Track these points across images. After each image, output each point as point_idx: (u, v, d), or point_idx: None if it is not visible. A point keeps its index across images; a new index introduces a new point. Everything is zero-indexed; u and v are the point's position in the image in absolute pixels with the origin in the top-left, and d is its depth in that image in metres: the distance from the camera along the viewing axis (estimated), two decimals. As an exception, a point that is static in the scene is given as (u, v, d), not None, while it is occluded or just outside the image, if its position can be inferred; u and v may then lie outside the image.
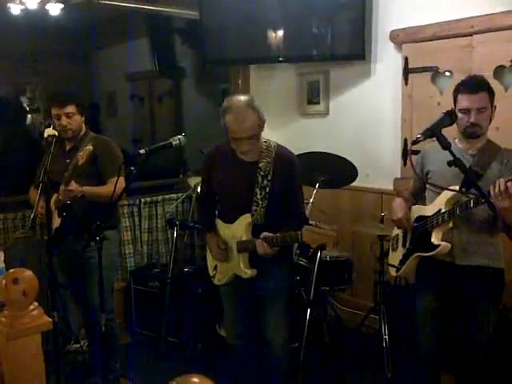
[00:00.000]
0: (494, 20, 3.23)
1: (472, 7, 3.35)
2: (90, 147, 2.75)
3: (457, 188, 2.32)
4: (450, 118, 2.01)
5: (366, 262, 3.99)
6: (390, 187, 3.93)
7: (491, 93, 2.48)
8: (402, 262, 2.74)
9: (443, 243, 2.46)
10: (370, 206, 4.08)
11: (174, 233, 3.88)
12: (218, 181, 2.65)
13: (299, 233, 2.34)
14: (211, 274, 2.81)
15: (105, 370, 2.84)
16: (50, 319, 1.74)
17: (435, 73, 3.62)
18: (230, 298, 2.80)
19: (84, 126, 3.22)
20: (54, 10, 3.83)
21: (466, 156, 2.49)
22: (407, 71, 3.74)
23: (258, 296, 2.71)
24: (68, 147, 3.20)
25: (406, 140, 3.78)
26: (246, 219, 2.54)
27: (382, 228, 3.48)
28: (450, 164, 1.91)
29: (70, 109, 3.07)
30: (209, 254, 2.83)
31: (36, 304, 1.72)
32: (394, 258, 2.84)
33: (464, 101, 2.44)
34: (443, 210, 2.45)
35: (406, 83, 3.76)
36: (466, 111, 2.43)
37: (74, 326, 3.63)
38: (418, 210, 2.66)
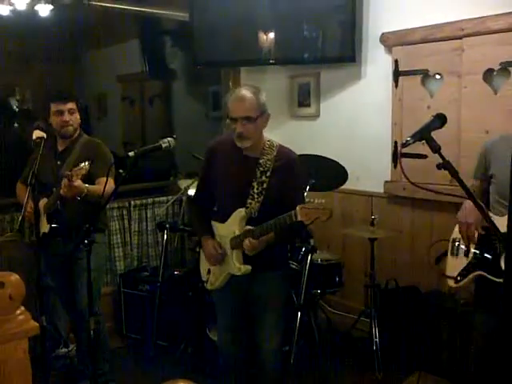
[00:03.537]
0: (484, 23, 3.25)
1: (462, 10, 3.36)
2: (86, 166, 2.70)
3: None
4: (439, 120, 1.99)
5: (357, 265, 3.99)
6: (381, 190, 3.93)
7: None
8: (462, 275, 2.45)
9: None
10: (361, 209, 4.08)
11: (163, 236, 3.86)
12: (216, 174, 2.62)
13: (293, 212, 2.25)
14: (204, 279, 2.75)
15: (93, 374, 2.81)
16: (37, 324, 1.72)
17: (425, 76, 3.63)
18: (224, 305, 2.75)
19: (78, 127, 3.20)
20: (44, 11, 3.80)
21: None
22: (397, 74, 3.74)
23: (252, 302, 2.67)
24: (60, 148, 3.17)
25: (396, 143, 3.79)
26: (239, 213, 2.50)
27: (372, 231, 3.48)
28: (438, 167, 1.90)
29: (73, 105, 3.08)
30: (202, 258, 2.77)
31: (23, 308, 1.70)
32: (453, 266, 2.53)
33: None
34: None
35: (396, 86, 3.77)
36: None
37: (63, 329, 3.60)
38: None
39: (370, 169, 4.01)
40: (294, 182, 2.56)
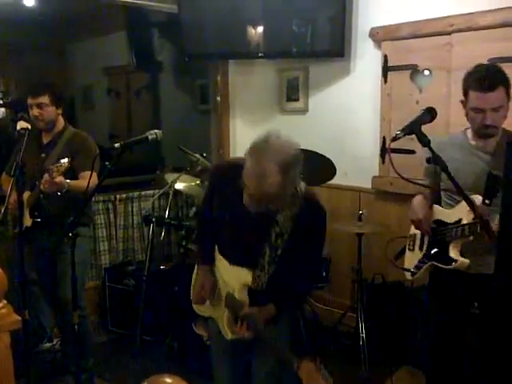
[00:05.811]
0: (473, 19, 3.24)
1: (451, 6, 3.36)
2: (66, 164, 2.65)
3: (479, 198, 2.10)
4: (429, 114, 1.99)
5: (344, 260, 3.99)
6: (369, 185, 3.93)
7: (508, 85, 2.22)
8: (417, 267, 2.53)
9: (460, 259, 2.26)
10: (348, 204, 4.08)
11: (150, 230, 3.82)
12: (219, 211, 2.14)
13: (295, 362, 1.83)
14: (191, 297, 2.40)
15: (78, 368, 2.77)
16: (20, 318, 1.69)
17: (414, 71, 3.62)
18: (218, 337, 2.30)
19: (63, 120, 3.14)
20: (29, 1, 3.75)
21: (482, 155, 2.31)
22: (386, 69, 3.73)
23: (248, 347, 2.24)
24: (45, 141, 3.13)
25: (384, 138, 3.78)
26: (245, 278, 2.08)
27: (359, 226, 3.47)
28: (428, 161, 1.90)
29: (43, 99, 3.00)
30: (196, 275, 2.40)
31: (4, 302, 1.67)
32: (410, 259, 2.62)
33: (477, 99, 2.20)
34: (464, 222, 2.22)
35: (385, 81, 3.76)
36: (480, 111, 2.21)
37: (47, 324, 3.56)
38: (438, 213, 2.44)
39: (358, 164, 4.00)
40: (316, 243, 2.08)
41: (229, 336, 2.15)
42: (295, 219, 1.99)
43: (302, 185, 2.04)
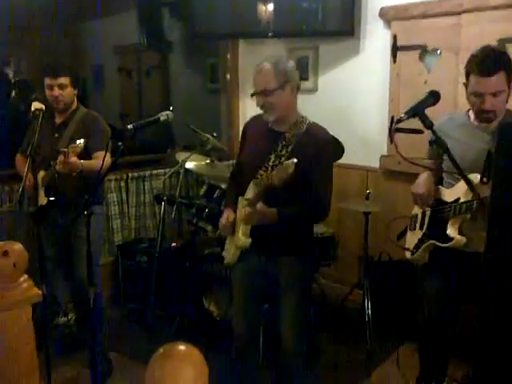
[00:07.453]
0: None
1: (461, -14, 3.35)
2: (82, 144, 2.70)
3: (478, 176, 2.13)
4: (433, 97, 2.02)
5: (351, 239, 4.05)
6: (376, 165, 3.97)
7: (510, 70, 2.20)
8: (417, 247, 2.58)
9: (457, 237, 2.31)
10: (356, 183, 4.12)
11: (161, 208, 3.90)
12: (245, 149, 2.58)
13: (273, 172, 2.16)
14: (224, 255, 2.66)
15: (92, 342, 2.86)
16: (40, 291, 1.77)
17: (423, 51, 3.63)
18: (238, 286, 2.65)
19: (76, 100, 3.20)
20: (40, -20, 3.76)
21: (483, 135, 2.30)
22: (396, 49, 3.74)
23: (271, 285, 2.53)
24: (58, 121, 3.18)
25: (392, 118, 3.80)
26: (252, 185, 2.39)
27: (367, 205, 3.52)
28: (431, 143, 1.94)
29: (64, 80, 3.04)
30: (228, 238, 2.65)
31: (26, 276, 1.75)
32: (411, 239, 2.68)
33: (476, 84, 2.20)
34: (462, 200, 2.28)
35: (395, 61, 3.77)
36: (479, 95, 2.22)
37: (62, 299, 3.66)
38: (439, 192, 2.49)
39: (366, 143, 4.04)
40: (320, 165, 2.38)
41: (241, 241, 2.40)
42: (300, 136, 2.38)
43: (310, 120, 2.47)
